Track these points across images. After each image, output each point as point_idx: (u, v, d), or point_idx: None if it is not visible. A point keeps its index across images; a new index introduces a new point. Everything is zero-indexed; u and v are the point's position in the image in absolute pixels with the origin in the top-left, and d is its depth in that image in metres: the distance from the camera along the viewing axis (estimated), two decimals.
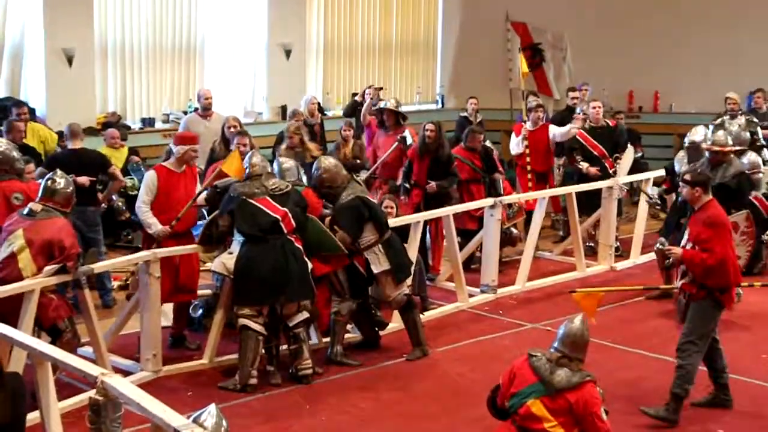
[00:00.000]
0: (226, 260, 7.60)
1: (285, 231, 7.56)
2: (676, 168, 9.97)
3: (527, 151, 11.68)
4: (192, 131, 10.71)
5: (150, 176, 8.15)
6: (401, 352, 8.34)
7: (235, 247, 7.62)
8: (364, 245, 8.04)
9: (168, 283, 7.87)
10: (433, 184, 10.20)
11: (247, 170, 7.78)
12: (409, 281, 8.47)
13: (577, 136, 11.62)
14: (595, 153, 11.53)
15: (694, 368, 6.96)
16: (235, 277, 7.54)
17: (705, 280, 6.89)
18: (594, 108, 11.64)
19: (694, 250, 6.90)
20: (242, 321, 7.49)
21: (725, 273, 6.86)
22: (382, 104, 11.15)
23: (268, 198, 7.63)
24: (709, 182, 7.08)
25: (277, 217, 7.55)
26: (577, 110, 12.22)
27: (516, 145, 11.79)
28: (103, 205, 9.65)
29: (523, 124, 11.84)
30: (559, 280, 10.61)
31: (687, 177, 7.07)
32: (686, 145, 10.05)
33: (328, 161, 8.25)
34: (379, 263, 8.06)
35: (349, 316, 8.20)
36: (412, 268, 8.55)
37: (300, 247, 7.62)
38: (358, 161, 11.34)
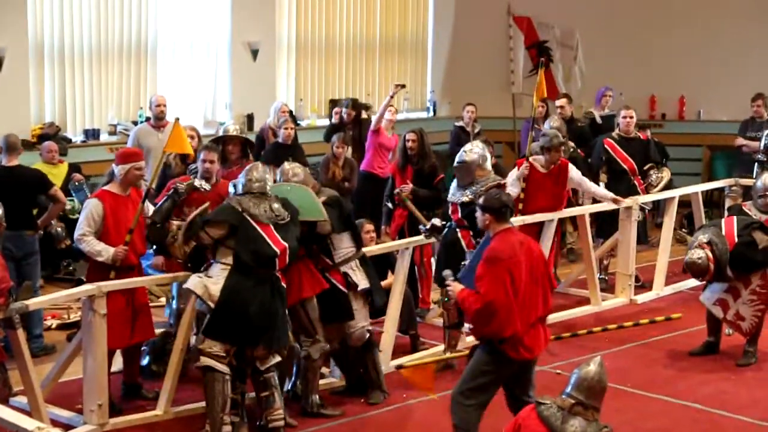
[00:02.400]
0: (210, 285, 7.46)
1: (277, 267, 7.58)
2: (450, 192, 9.34)
3: (522, 195, 10.55)
4: (143, 145, 10.82)
5: (93, 205, 8.00)
6: (391, 398, 8.42)
7: (217, 272, 7.50)
8: (342, 257, 8.17)
9: (124, 325, 7.85)
10: (408, 186, 10.30)
11: (244, 185, 7.71)
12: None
13: (607, 147, 11.75)
14: (625, 167, 11.70)
15: (469, 426, 6.73)
16: (217, 307, 7.42)
17: (477, 327, 6.69)
18: (625, 118, 11.85)
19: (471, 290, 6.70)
20: (206, 360, 7.40)
21: (495, 320, 6.52)
22: (221, 128, 9.73)
23: (272, 227, 7.61)
24: (503, 209, 6.75)
25: (278, 251, 7.52)
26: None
27: (511, 184, 10.17)
28: (40, 231, 9.65)
29: (526, 159, 10.65)
30: (571, 316, 10.68)
31: (480, 201, 6.94)
32: (456, 165, 9.14)
33: (298, 168, 8.35)
34: (357, 281, 8.19)
35: (323, 360, 8.24)
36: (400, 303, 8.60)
37: (284, 285, 7.66)
38: (347, 184, 11.33)
